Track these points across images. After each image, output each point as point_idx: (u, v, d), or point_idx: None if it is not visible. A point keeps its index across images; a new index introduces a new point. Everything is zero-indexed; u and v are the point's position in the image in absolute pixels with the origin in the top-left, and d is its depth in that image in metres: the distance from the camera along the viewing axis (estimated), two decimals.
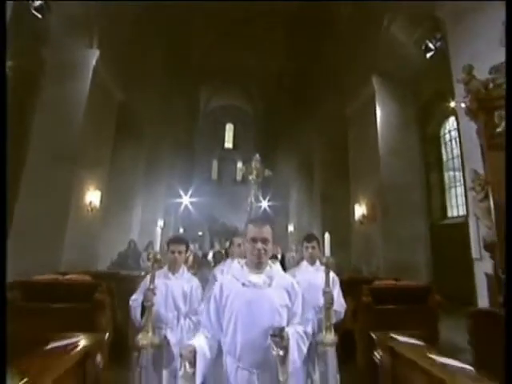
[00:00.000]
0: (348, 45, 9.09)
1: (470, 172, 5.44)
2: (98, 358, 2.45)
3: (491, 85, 5.04)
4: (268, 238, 1.97)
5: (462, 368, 2.11)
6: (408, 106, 8.76)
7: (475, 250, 5.32)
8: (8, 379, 1.68)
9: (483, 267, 5.13)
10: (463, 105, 5.31)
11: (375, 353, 2.70)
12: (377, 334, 2.77)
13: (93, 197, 8.20)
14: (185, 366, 1.71)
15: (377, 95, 8.78)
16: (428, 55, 6.71)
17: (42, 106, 7.66)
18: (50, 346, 2.39)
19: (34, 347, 2.36)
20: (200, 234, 20.72)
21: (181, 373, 1.72)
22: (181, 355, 1.76)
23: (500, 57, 5.15)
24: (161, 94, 13.02)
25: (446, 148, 10.33)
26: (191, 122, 19.33)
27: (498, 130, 4.91)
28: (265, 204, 17.01)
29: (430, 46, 6.60)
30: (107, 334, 2.58)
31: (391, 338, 2.68)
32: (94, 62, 8.13)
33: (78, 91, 7.93)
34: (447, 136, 10.24)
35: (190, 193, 19.01)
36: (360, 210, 9.21)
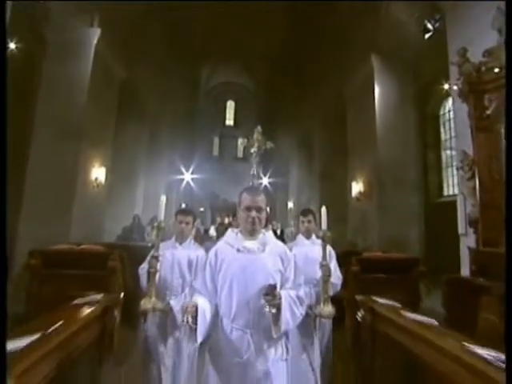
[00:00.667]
0: (348, 23, 9.13)
1: (460, 152, 5.74)
2: (115, 312, 2.82)
3: (483, 68, 5.24)
4: (262, 206, 2.04)
5: (428, 321, 2.49)
6: (407, 86, 8.90)
7: (461, 226, 5.67)
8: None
9: (467, 242, 5.50)
10: (455, 87, 5.53)
11: (358, 313, 3.07)
12: (360, 296, 3.14)
13: (98, 173, 8.51)
14: (188, 321, 1.78)
15: (376, 74, 8.91)
16: (426, 36, 6.83)
17: (45, 86, 7.84)
18: (75, 302, 2.76)
19: (60, 304, 2.73)
20: (201, 209, 21.12)
21: (183, 328, 1.84)
22: (184, 309, 1.84)
23: (494, 40, 5.33)
24: (162, 72, 13.08)
25: (444, 127, 10.52)
26: (192, 99, 19.37)
27: (487, 112, 5.17)
28: (265, 181, 17.34)
29: (429, 26, 6.71)
30: (122, 294, 2.94)
31: (372, 300, 3.06)
32: (95, 41, 8.25)
33: (80, 70, 8.08)
34: (446, 115, 10.41)
35: (191, 169, 19.31)
36: (357, 187, 9.53)
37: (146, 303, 2.64)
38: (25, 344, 1.79)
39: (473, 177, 5.22)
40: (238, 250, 2.02)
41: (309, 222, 3.24)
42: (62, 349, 2.01)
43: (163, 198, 2.83)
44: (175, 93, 15.29)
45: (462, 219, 5.60)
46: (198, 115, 20.85)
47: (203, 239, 9.93)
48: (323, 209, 2.74)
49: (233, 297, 1.95)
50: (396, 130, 8.70)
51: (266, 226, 2.22)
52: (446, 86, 5.89)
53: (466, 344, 1.92)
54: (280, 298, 1.86)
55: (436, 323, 2.45)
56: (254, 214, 2.01)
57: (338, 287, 3.11)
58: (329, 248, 2.97)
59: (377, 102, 8.86)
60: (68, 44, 8.00)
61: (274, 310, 1.84)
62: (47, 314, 2.48)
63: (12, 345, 1.75)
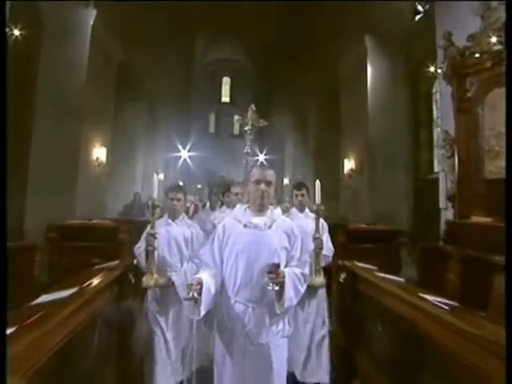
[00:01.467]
0: (344, 4, 9.27)
1: (443, 132, 6.15)
2: (130, 276, 3.27)
3: (467, 53, 5.56)
4: (271, 180, 2.09)
5: (396, 280, 2.98)
6: (399, 66, 9.17)
7: (442, 200, 6.14)
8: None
9: (447, 215, 6.00)
10: (439, 70, 5.87)
11: (341, 275, 3.55)
12: (343, 261, 3.63)
13: (99, 153, 8.85)
14: (193, 295, 1.82)
15: (369, 54, 9.16)
16: (417, 18, 7.07)
17: (44, 68, 8.02)
18: (95, 267, 3.22)
19: (79, 271, 3.17)
20: (199, 186, 21.53)
21: (187, 303, 1.87)
22: (189, 285, 1.89)
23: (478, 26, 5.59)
24: (158, 49, 13.15)
25: (436, 105, 10.84)
26: (188, 76, 19.40)
27: (468, 95, 5.55)
28: (261, 158, 17.67)
29: (419, 8, 6.94)
30: (135, 261, 3.38)
31: (353, 264, 3.55)
32: (91, 22, 8.40)
33: (77, 52, 8.26)
34: (438, 94, 10.71)
35: (188, 147, 19.55)
36: (349, 165, 9.96)
37: (149, 280, 2.77)
38: (59, 296, 2.22)
39: (452, 155, 5.65)
40: (245, 226, 2.07)
41: (302, 195, 3.30)
42: (88, 306, 2.40)
43: (157, 177, 2.96)
44: (171, 70, 15.37)
45: (443, 194, 6.06)
46: (193, 92, 20.90)
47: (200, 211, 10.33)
48: (317, 183, 2.82)
49: (237, 271, 2.01)
50: (387, 109, 9.03)
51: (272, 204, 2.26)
52: (432, 69, 6.19)
53: (420, 294, 2.40)
54: (283, 277, 1.90)
55: (403, 281, 2.94)
56: (263, 187, 2.06)
57: (330, 259, 3.23)
58: (321, 221, 3.04)
59: (369, 81, 9.16)
60: (64, 26, 8.13)
61: (276, 288, 1.88)
62: (73, 277, 2.91)
63: (46, 298, 2.19)
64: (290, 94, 16.93)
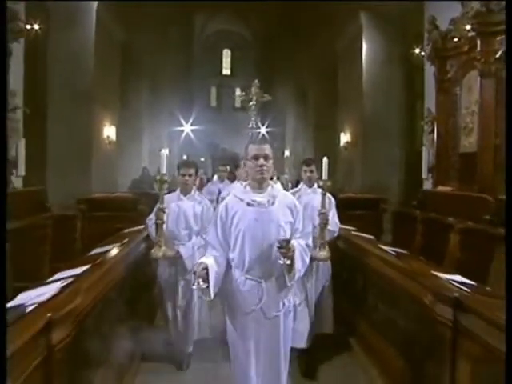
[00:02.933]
0: None
1: (426, 110, 6.80)
2: None
3: (448, 36, 6.12)
4: (269, 154, 2.10)
5: (368, 237, 3.79)
6: (394, 42, 9.59)
7: (424, 171, 6.89)
8: None
9: (427, 185, 6.78)
10: (423, 53, 6.45)
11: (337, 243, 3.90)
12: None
13: (109, 132, 9.56)
14: (198, 283, 1.88)
15: (364, 30, 9.60)
16: None
17: (55, 54, 8.57)
18: (127, 230, 4.04)
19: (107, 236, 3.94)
20: (202, 160, 22.23)
21: (194, 287, 1.92)
22: (194, 273, 1.93)
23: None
24: (158, 24, 13.47)
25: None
26: (189, 50, 19.64)
27: (448, 76, 6.17)
28: (263, 130, 18.21)
29: None
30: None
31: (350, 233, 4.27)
32: (95, 7, 8.87)
33: (85, 36, 8.77)
34: None
35: (190, 121, 20.08)
36: (345, 138, 10.63)
37: (157, 252, 2.94)
38: (107, 249, 3.05)
39: (433, 131, 6.35)
40: (248, 204, 2.09)
41: (311, 171, 3.34)
42: (129, 256, 3.21)
43: (164, 152, 3.09)
44: (171, 44, 15.69)
45: (425, 166, 6.81)
46: (194, 65, 21.17)
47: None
48: (325, 159, 2.94)
49: (245, 250, 2.07)
50: (382, 85, 9.56)
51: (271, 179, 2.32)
52: (417, 50, 6.73)
53: (380, 245, 3.22)
54: (293, 250, 1.97)
55: (372, 238, 3.76)
56: (261, 161, 2.07)
57: (336, 234, 3.32)
58: (329, 196, 3.14)
59: (364, 58, 9.65)
60: (70, 13, 8.61)
61: (288, 262, 1.95)
62: (112, 237, 3.72)
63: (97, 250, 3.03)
64: (290, 67, 17.25)
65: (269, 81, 19.64)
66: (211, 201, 3.80)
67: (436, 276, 2.32)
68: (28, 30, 5.78)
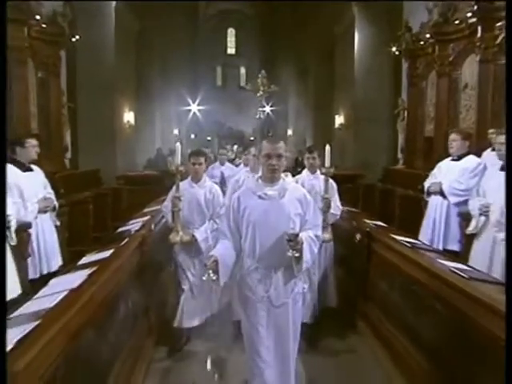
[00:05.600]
0: None
1: (400, 100, 8.23)
2: None
3: (419, 37, 7.46)
4: (282, 153, 2.23)
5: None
6: (384, 34, 10.78)
7: (399, 153, 8.40)
8: None
9: (400, 163, 8.30)
10: (397, 52, 7.81)
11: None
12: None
13: (129, 117, 11.10)
14: (209, 274, 2.05)
15: (356, 20, 10.84)
16: None
17: (81, 48, 9.99)
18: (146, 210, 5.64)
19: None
20: (209, 138, 23.73)
21: (205, 278, 2.07)
22: (205, 265, 2.14)
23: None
24: (163, 8, 14.63)
25: None
26: (194, 31, 20.77)
27: (418, 72, 7.55)
28: (268, 109, 19.55)
29: None
30: None
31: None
32: (113, 4, 10.23)
33: (106, 31, 10.17)
34: None
35: (197, 101, 21.40)
36: (339, 120, 12.07)
37: (175, 237, 3.25)
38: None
39: (404, 119, 7.82)
40: (260, 197, 2.25)
41: (313, 158, 3.65)
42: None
43: (176, 132, 4.19)
44: (177, 25, 16.88)
45: (399, 148, 8.31)
46: (200, 46, 22.30)
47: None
48: (327, 147, 3.14)
49: (256, 240, 2.23)
50: (372, 73, 10.86)
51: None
52: (394, 49, 8.02)
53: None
54: (302, 243, 2.10)
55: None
56: (273, 161, 2.20)
57: (338, 216, 3.60)
58: (332, 182, 3.37)
59: (356, 45, 10.92)
60: (92, 10, 9.97)
61: (297, 254, 2.09)
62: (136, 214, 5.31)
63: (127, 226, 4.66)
64: (293, 46, 18.38)
65: (273, 59, 20.90)
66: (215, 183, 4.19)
67: (364, 221, 3.95)
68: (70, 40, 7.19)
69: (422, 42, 7.17)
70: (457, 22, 6.26)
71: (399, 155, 8.37)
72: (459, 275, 2.33)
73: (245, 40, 24.16)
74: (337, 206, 3.54)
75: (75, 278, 2.26)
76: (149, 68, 13.92)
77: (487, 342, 1.89)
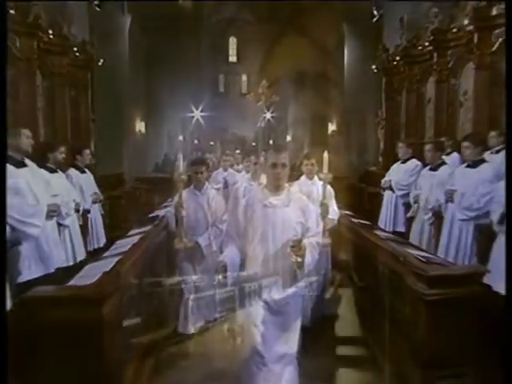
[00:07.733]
0: None
1: (379, 112, 9.60)
2: None
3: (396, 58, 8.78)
4: (286, 163, 2.42)
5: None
6: (370, 50, 12.14)
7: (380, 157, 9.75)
8: None
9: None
10: (376, 70, 9.17)
11: None
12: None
13: (140, 126, 12.55)
14: (219, 279, 2.26)
15: (346, 37, 12.28)
16: (374, 20, 10.13)
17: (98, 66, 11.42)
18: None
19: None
20: (212, 144, 24.99)
21: (215, 282, 2.26)
22: (216, 271, 2.37)
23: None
24: (170, 19, 16.00)
25: None
26: (197, 42, 22.21)
27: (394, 87, 8.90)
28: (268, 115, 20.81)
29: (375, 13, 9.97)
30: None
31: None
32: (128, 25, 11.68)
33: (121, 49, 11.63)
34: None
35: (200, 107, 22.69)
36: (331, 127, 13.48)
37: (178, 243, 3.42)
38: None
39: (383, 127, 9.18)
40: (265, 206, 2.45)
41: (311, 164, 3.83)
42: None
43: (180, 138, 4.75)
44: (183, 35, 18.26)
45: (380, 151, 9.68)
46: (203, 55, 23.69)
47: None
48: (325, 154, 3.23)
49: (261, 246, 2.44)
50: (360, 83, 12.22)
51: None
52: (373, 66, 9.35)
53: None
54: (305, 249, 2.30)
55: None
56: (278, 170, 2.41)
57: (335, 221, 3.78)
58: (329, 188, 3.51)
59: (346, 58, 12.36)
60: (109, 31, 11.39)
61: (299, 260, 2.29)
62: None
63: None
64: (293, 55, 19.68)
65: (272, 68, 22.22)
66: (217, 189, 4.65)
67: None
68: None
69: (395, 62, 8.50)
70: (454, 30, 6.72)
71: (380, 158, 9.72)
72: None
73: (245, 48, 25.53)
74: (334, 211, 3.77)
75: (131, 240, 3.56)
76: (157, 78, 15.38)
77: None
